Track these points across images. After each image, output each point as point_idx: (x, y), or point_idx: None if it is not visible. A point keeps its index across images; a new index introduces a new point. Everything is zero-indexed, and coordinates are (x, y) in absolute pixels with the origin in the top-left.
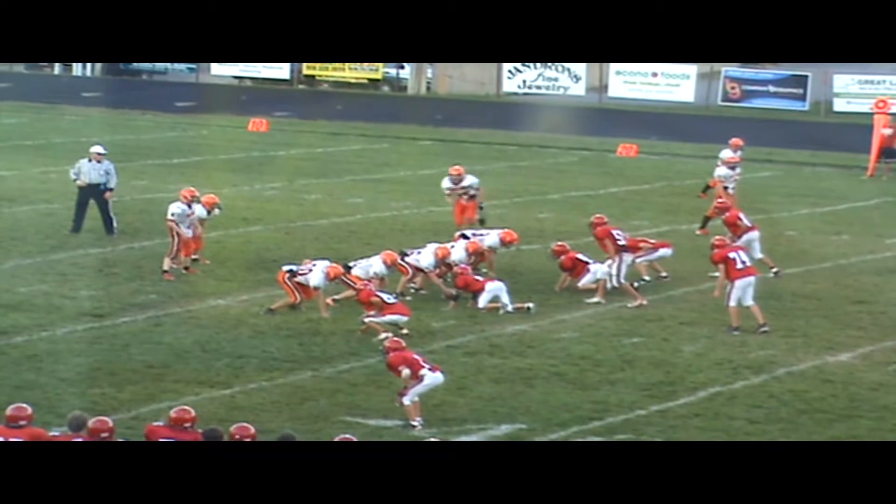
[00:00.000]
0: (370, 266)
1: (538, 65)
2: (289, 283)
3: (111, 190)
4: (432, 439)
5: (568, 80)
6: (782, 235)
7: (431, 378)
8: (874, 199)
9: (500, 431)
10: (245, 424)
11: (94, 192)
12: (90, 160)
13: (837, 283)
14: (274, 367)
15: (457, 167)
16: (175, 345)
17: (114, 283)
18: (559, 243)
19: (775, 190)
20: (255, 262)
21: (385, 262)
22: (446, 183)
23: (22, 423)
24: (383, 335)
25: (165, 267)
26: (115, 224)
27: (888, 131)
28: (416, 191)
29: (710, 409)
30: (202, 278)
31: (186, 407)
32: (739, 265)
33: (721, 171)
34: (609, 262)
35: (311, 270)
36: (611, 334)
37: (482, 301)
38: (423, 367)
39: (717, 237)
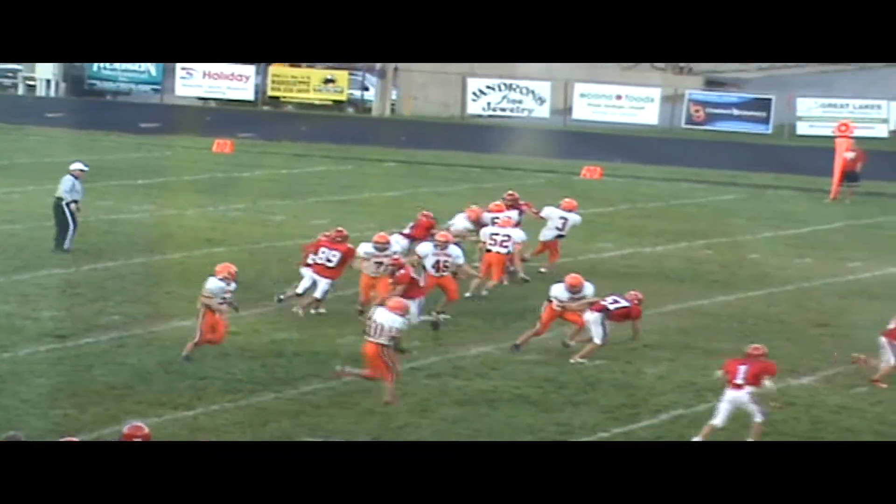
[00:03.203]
0: (453, 224)
1: (502, 87)
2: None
3: (76, 202)
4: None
5: (532, 102)
6: (745, 258)
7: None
8: (837, 222)
9: None
10: (139, 424)
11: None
12: (73, 176)
13: (800, 305)
14: (237, 388)
15: (383, 234)
16: (138, 366)
17: (77, 304)
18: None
19: (738, 213)
20: None
21: (469, 218)
22: (367, 249)
23: None
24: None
25: (186, 353)
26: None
27: (850, 155)
28: (380, 212)
29: (672, 432)
30: (166, 299)
31: (139, 423)
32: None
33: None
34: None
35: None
36: (570, 355)
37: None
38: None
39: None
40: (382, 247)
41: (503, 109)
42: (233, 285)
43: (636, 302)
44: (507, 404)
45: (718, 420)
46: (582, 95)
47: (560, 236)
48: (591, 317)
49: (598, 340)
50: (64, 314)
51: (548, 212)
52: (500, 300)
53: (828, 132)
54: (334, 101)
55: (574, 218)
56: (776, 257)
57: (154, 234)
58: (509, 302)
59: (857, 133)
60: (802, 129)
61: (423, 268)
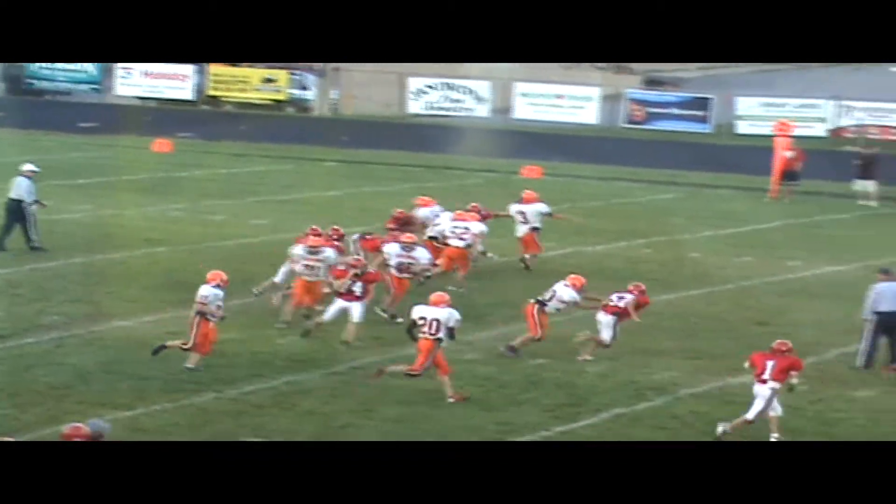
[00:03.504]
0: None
1: (443, 86)
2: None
3: (37, 202)
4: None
5: (473, 101)
6: (685, 257)
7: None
8: (776, 221)
9: None
10: (77, 425)
11: (19, 208)
12: (26, 177)
13: (740, 304)
14: (178, 388)
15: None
16: (79, 366)
17: (17, 304)
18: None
19: (678, 212)
20: (159, 284)
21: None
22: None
23: None
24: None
25: (191, 364)
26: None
27: (790, 154)
28: (321, 212)
29: (613, 431)
30: (107, 299)
31: (78, 424)
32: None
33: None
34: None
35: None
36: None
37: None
38: None
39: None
40: (314, 250)
41: (444, 108)
42: (224, 292)
43: (638, 293)
44: (450, 404)
45: (750, 415)
46: (522, 95)
47: (535, 228)
48: (604, 319)
49: (607, 340)
50: (4, 314)
51: (512, 209)
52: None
53: (767, 131)
54: (274, 101)
55: (531, 208)
56: (716, 256)
57: (94, 233)
58: (453, 299)
59: (797, 132)
60: (742, 128)
61: (387, 266)
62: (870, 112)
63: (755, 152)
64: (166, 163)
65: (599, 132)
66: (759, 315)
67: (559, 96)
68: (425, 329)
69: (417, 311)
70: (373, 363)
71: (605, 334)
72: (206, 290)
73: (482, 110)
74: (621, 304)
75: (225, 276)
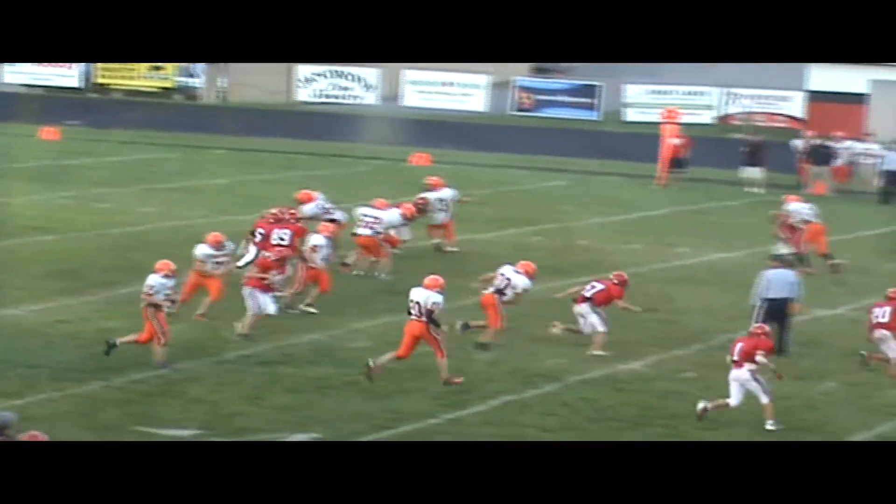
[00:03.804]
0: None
1: (331, 74)
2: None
3: None
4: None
5: (361, 89)
6: (574, 244)
7: None
8: (664, 208)
9: (294, 440)
10: (35, 433)
11: None
12: None
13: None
14: (66, 377)
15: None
16: None
17: None
18: None
19: (567, 199)
20: (47, 272)
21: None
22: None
23: None
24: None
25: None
26: None
27: (677, 141)
28: (209, 200)
29: (502, 418)
30: None
31: None
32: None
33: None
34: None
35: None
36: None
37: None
38: None
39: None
40: (219, 247)
41: (332, 96)
42: (173, 281)
43: (616, 282)
44: (338, 391)
45: (732, 400)
46: (411, 82)
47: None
48: (579, 309)
49: (601, 328)
50: None
51: (430, 196)
52: (334, 286)
53: (655, 119)
54: (162, 89)
55: (447, 194)
56: (605, 243)
57: None
58: (338, 290)
59: (684, 119)
60: (630, 115)
61: (303, 259)
62: (756, 99)
63: (643, 140)
64: (54, 150)
65: (488, 120)
66: (648, 302)
67: (447, 84)
68: (413, 312)
69: (412, 294)
70: (262, 351)
71: (595, 322)
72: (153, 280)
73: (370, 98)
74: (590, 293)
75: (173, 266)
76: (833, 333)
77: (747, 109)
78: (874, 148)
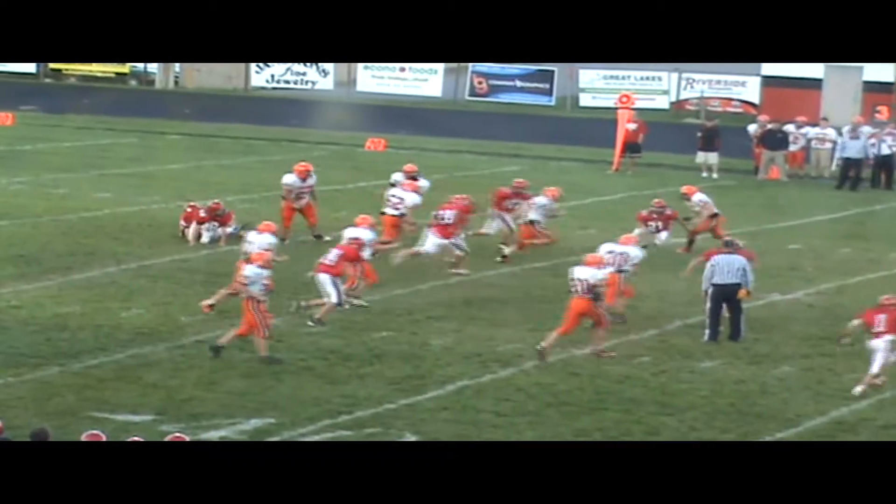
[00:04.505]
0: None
1: None
2: None
3: None
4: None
5: (316, 74)
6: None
7: None
8: (619, 193)
9: (249, 426)
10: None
11: None
12: None
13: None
14: (21, 362)
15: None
16: None
17: None
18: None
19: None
20: (1, 257)
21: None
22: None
23: None
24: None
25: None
26: None
27: (632, 126)
28: (165, 185)
29: (458, 403)
30: None
31: None
32: None
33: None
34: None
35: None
36: (360, 328)
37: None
38: None
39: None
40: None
41: (287, 82)
42: (268, 272)
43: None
44: (293, 377)
45: (874, 367)
46: (366, 67)
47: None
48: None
49: (333, 300)
50: None
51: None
52: (286, 271)
53: (610, 104)
54: (117, 74)
55: (422, 184)
56: (560, 228)
57: None
58: (294, 274)
59: (639, 105)
60: (585, 100)
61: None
62: (711, 84)
63: (598, 125)
64: (8, 136)
65: (443, 105)
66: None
67: (402, 69)
68: (577, 288)
69: (575, 272)
70: (216, 336)
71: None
72: (249, 271)
73: (326, 83)
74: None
75: (269, 256)
76: (788, 318)
77: (702, 94)
78: (829, 133)
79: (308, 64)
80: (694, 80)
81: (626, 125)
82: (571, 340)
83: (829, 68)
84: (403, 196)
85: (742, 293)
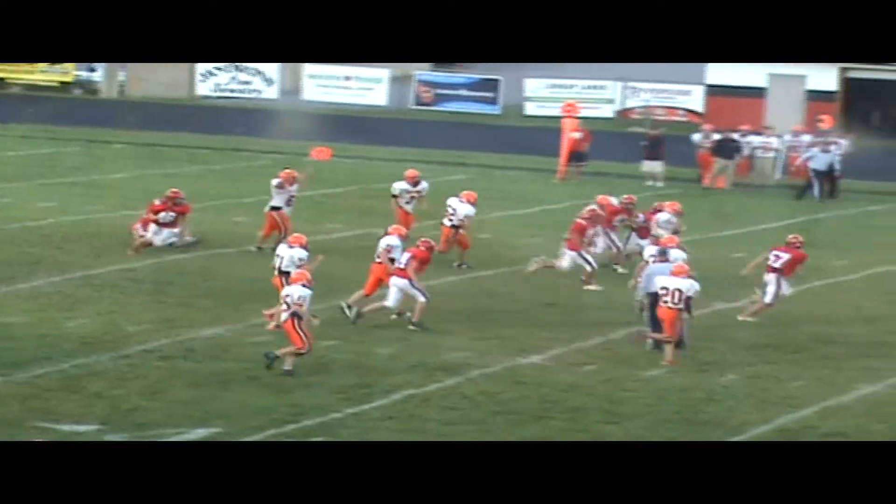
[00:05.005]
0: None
1: (231, 68)
2: None
3: None
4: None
5: (261, 83)
6: (476, 238)
7: None
8: (565, 201)
9: (195, 435)
10: None
11: None
12: None
13: (531, 285)
14: None
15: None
16: None
17: None
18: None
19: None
20: None
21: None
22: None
23: None
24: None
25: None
26: None
27: (577, 135)
28: (110, 194)
29: (404, 412)
30: None
31: None
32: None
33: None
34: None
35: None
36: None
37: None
38: None
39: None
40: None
41: (232, 90)
42: (310, 292)
43: (424, 248)
44: (239, 386)
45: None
46: (311, 76)
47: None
48: (395, 281)
49: (421, 299)
50: None
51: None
52: (233, 280)
53: (555, 112)
54: (61, 83)
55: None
56: (506, 237)
57: None
58: (242, 283)
59: (584, 113)
60: (530, 109)
61: (391, 260)
62: (656, 93)
63: (543, 133)
64: None
65: (389, 114)
66: (549, 296)
67: (348, 78)
68: (667, 298)
69: (660, 282)
70: (162, 346)
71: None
72: (297, 291)
73: (271, 92)
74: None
75: (309, 276)
76: (733, 326)
77: (647, 103)
78: (772, 142)
79: (253, 72)
80: (638, 90)
81: (571, 134)
82: (517, 349)
83: (773, 77)
84: (457, 207)
85: None
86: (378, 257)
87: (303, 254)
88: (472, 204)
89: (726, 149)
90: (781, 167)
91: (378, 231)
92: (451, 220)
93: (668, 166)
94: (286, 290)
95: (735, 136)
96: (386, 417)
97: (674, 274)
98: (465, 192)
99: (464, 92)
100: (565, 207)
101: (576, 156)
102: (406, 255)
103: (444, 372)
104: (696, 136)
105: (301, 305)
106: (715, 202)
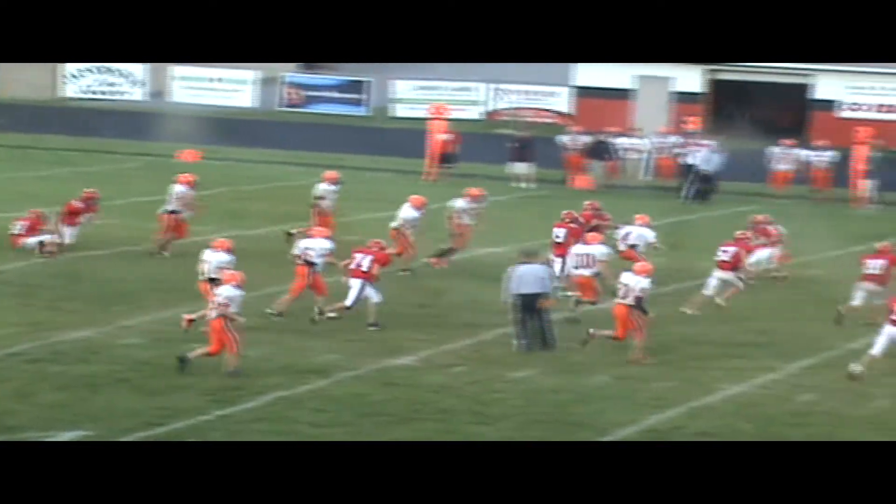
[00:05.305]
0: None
1: (98, 69)
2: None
3: None
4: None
5: (128, 85)
6: (341, 241)
7: None
8: (434, 203)
9: (64, 438)
10: None
11: None
12: None
13: (401, 286)
14: None
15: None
16: None
17: None
18: None
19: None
20: None
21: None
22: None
23: None
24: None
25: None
26: None
27: (445, 136)
28: None
29: (273, 414)
30: None
31: None
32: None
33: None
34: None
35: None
36: (176, 340)
37: None
38: None
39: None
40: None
41: (99, 92)
42: (241, 292)
43: (377, 249)
44: (109, 388)
45: (876, 351)
46: (178, 78)
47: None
48: (353, 282)
49: (349, 303)
50: None
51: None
52: (102, 283)
53: (423, 114)
54: None
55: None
56: (376, 239)
57: None
58: (109, 283)
59: (452, 115)
60: (399, 111)
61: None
62: (524, 95)
63: (412, 135)
64: None
65: (257, 115)
66: (420, 297)
67: (215, 80)
68: (619, 294)
69: (622, 278)
70: (30, 349)
71: (351, 295)
72: (227, 292)
73: (138, 94)
74: (364, 266)
75: (241, 277)
76: (603, 327)
77: (515, 105)
78: (640, 143)
79: (120, 74)
80: (506, 91)
81: (440, 136)
82: (387, 350)
83: (641, 79)
84: (401, 211)
85: (545, 302)
86: (299, 259)
87: (226, 258)
88: (418, 208)
89: (599, 150)
90: (647, 168)
91: (248, 232)
92: (393, 223)
93: (537, 168)
94: (219, 290)
95: (607, 137)
96: (255, 419)
97: (636, 272)
98: (413, 196)
99: (332, 93)
100: (435, 209)
101: (444, 157)
102: (368, 258)
103: (314, 374)
104: (564, 138)
105: (227, 305)
106: (583, 203)
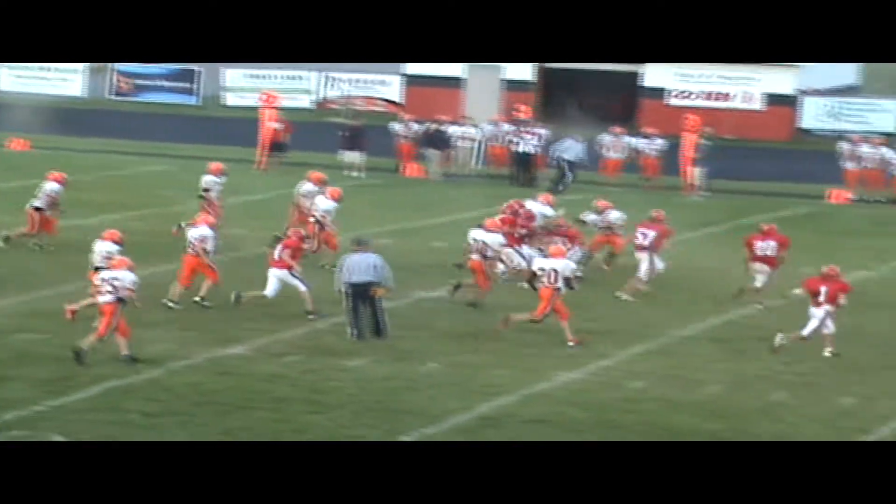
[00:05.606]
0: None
1: None
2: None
3: None
4: None
5: None
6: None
7: None
8: (269, 192)
9: None
10: None
11: None
12: None
13: (231, 274)
14: None
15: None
16: None
17: None
18: None
19: (169, 184)
20: None
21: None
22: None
23: None
24: None
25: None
26: None
27: (276, 125)
28: None
29: (105, 403)
30: None
31: None
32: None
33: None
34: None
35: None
36: (4, 331)
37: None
38: None
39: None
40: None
41: None
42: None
43: (297, 238)
44: None
45: (806, 332)
46: (7, 67)
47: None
48: (276, 273)
49: (303, 288)
50: None
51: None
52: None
53: (254, 103)
54: None
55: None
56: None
57: None
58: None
59: (283, 104)
60: (229, 99)
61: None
62: (355, 84)
63: (243, 124)
64: None
65: (86, 104)
66: (250, 287)
67: (44, 69)
68: (545, 279)
69: (537, 263)
70: None
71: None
72: (119, 275)
73: None
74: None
75: (129, 262)
76: (434, 315)
77: (346, 94)
78: (472, 132)
79: None
80: (337, 80)
81: (271, 124)
82: (220, 339)
83: (472, 67)
84: (318, 202)
85: (377, 290)
86: (189, 248)
87: (112, 248)
88: (336, 200)
89: (433, 139)
90: (480, 156)
91: (82, 222)
92: (313, 216)
93: (368, 156)
94: (113, 274)
95: (440, 126)
96: (88, 409)
97: (552, 255)
98: (330, 188)
99: (162, 82)
100: (270, 198)
101: (276, 146)
102: (278, 247)
103: (146, 363)
104: (397, 126)
105: (132, 291)
106: (415, 192)
